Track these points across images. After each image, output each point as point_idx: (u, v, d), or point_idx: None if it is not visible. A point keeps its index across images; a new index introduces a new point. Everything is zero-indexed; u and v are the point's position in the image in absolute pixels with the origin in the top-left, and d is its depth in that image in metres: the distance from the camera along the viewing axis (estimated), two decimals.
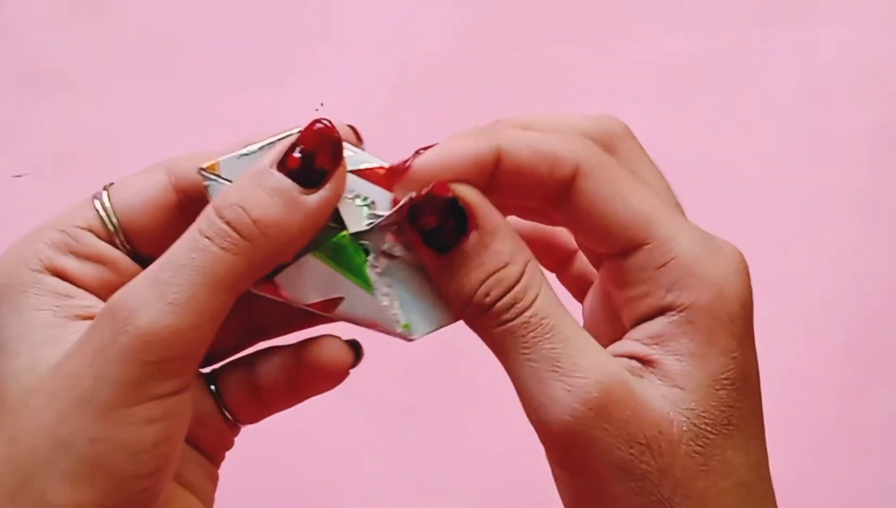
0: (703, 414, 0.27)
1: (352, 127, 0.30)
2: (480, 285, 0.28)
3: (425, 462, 0.62)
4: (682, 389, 0.27)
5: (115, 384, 0.26)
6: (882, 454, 0.66)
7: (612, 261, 0.29)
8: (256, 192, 0.27)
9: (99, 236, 0.29)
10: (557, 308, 0.28)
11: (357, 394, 0.52)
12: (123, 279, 0.28)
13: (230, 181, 0.29)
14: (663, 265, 0.28)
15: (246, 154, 0.30)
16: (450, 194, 0.28)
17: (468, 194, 0.28)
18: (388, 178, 0.30)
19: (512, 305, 0.27)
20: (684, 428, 0.27)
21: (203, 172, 0.29)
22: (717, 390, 0.27)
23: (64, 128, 0.70)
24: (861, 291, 0.68)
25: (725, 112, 0.71)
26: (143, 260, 0.30)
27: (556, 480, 0.29)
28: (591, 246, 0.30)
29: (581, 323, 0.30)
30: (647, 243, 0.28)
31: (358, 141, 0.30)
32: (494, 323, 0.27)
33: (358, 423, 0.60)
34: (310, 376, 0.32)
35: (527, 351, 0.27)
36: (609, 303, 0.31)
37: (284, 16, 0.72)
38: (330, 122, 0.28)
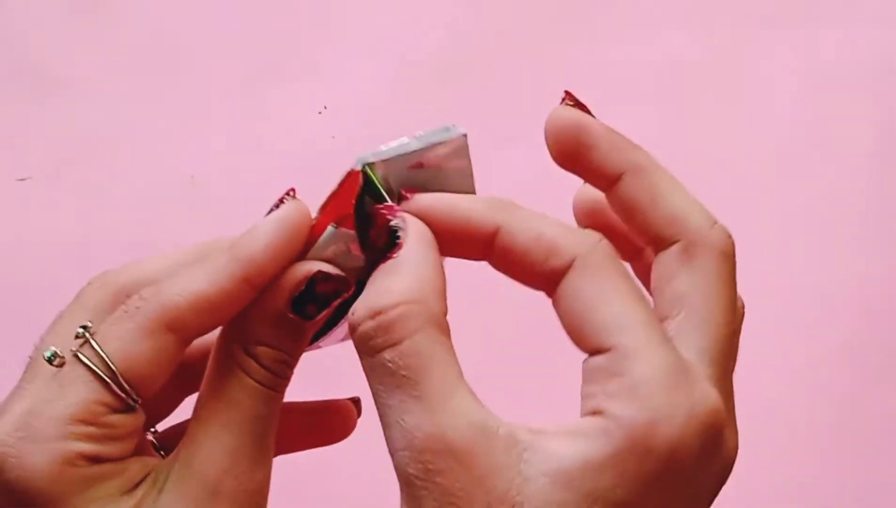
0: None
1: (290, 192, 0.30)
2: (359, 307, 0.27)
3: None
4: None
5: None
6: (882, 454, 0.66)
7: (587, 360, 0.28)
8: None
9: (116, 410, 0.29)
10: (431, 356, 0.26)
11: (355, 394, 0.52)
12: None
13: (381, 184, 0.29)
14: (615, 376, 0.26)
15: (402, 154, 0.29)
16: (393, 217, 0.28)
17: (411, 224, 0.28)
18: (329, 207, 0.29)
19: (371, 338, 0.27)
20: None
21: (367, 168, 0.29)
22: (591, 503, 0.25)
23: (67, 130, 0.70)
24: (861, 291, 0.68)
25: (725, 112, 0.71)
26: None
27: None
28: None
29: None
30: (609, 351, 0.27)
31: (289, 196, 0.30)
32: (362, 351, 0.27)
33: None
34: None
35: (396, 392, 0.26)
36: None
37: (284, 16, 0.72)
38: None
